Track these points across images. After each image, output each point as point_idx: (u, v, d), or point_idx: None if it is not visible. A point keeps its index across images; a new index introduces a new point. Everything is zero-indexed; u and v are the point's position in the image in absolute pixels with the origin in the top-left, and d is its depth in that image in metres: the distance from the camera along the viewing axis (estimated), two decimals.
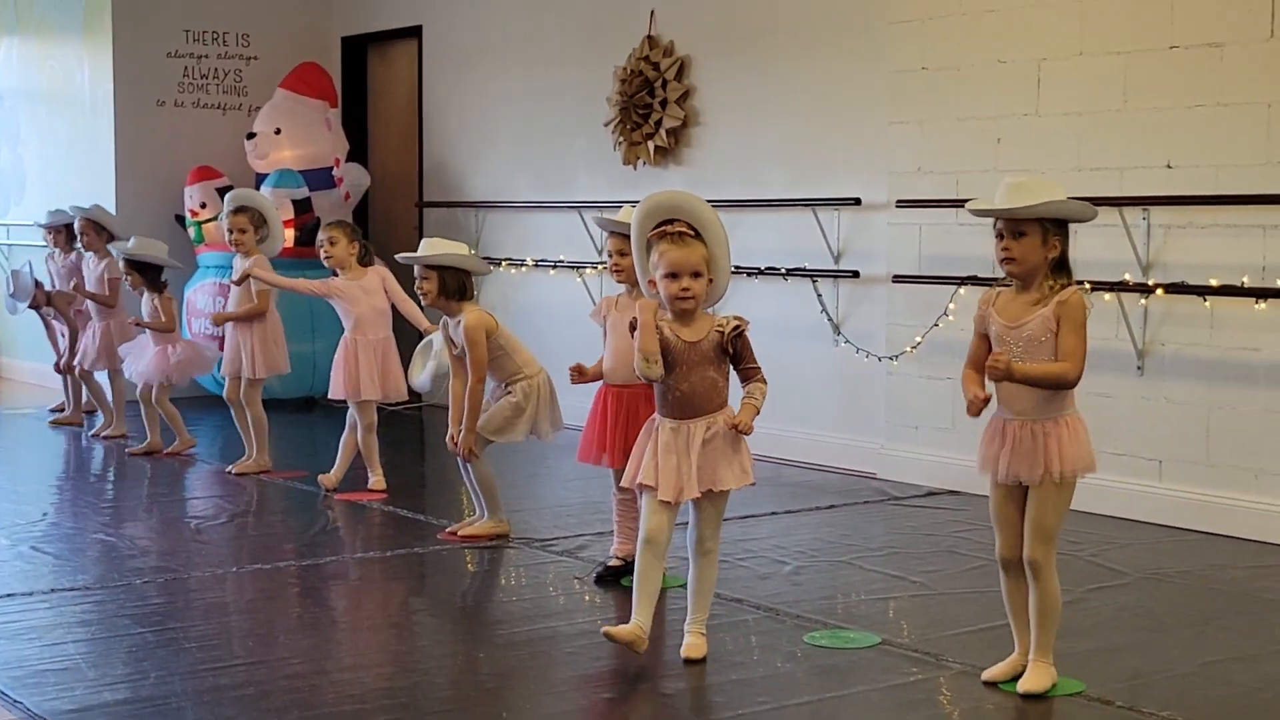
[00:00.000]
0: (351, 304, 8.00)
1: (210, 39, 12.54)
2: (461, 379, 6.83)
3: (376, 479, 8.08)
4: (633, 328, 5.01)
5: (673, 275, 5.00)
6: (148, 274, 9.25)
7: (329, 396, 8.32)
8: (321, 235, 8.17)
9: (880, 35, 8.73)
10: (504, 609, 6.19)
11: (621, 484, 5.37)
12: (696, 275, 5.01)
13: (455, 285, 6.84)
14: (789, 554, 6.82)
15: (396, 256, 7.20)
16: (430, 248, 6.88)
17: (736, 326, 5.04)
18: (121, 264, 9.37)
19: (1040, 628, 4.85)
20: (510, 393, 6.84)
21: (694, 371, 5.01)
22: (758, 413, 5.02)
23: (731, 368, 5.09)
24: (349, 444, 8.12)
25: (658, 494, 5.03)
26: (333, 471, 8.09)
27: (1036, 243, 4.73)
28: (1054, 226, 4.75)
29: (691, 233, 5.03)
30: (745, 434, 5.01)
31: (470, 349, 6.73)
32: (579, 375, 5.95)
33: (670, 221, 5.06)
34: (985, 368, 4.70)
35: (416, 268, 6.82)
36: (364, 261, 8.15)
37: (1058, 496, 4.77)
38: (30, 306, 10.55)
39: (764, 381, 5.06)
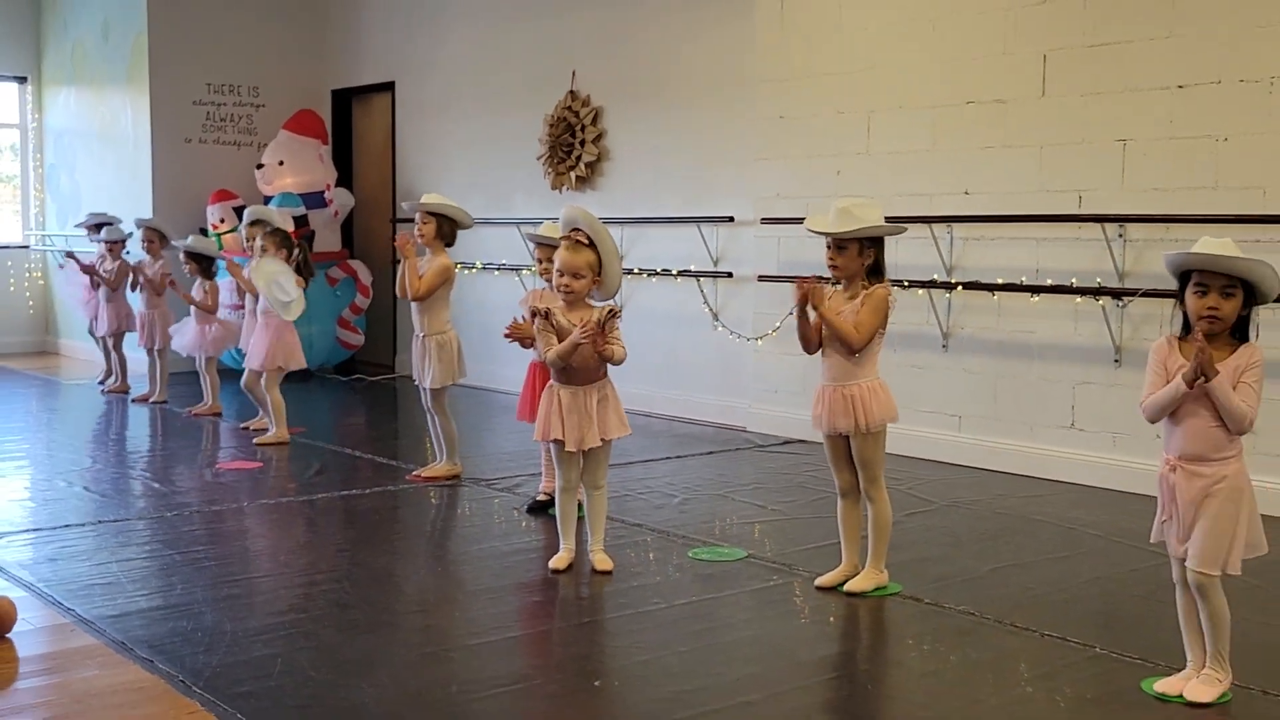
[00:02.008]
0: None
1: (227, 90, 12.37)
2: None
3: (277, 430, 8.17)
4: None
5: (559, 273, 5.02)
6: (202, 263, 9.24)
7: (257, 368, 8.19)
8: (260, 240, 8.16)
9: (750, 91, 8.75)
10: (457, 533, 6.17)
11: (533, 439, 5.33)
12: (577, 276, 4.99)
13: (448, 231, 6.78)
14: (678, 489, 6.84)
15: (403, 204, 7.03)
16: (432, 199, 6.82)
17: (611, 309, 5.04)
18: (182, 255, 9.30)
19: (876, 541, 4.90)
20: (429, 347, 6.74)
21: (580, 348, 4.97)
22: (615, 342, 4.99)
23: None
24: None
25: (566, 446, 5.04)
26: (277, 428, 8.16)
27: (854, 254, 4.78)
28: (868, 242, 4.78)
29: (586, 241, 5.01)
30: (600, 342, 4.91)
31: (433, 275, 6.65)
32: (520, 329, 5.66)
33: (576, 230, 5.05)
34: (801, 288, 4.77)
35: (418, 214, 6.75)
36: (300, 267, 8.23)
37: (871, 442, 4.83)
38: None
39: (623, 349, 5.01)
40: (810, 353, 4.91)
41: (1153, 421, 3.81)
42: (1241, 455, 3.72)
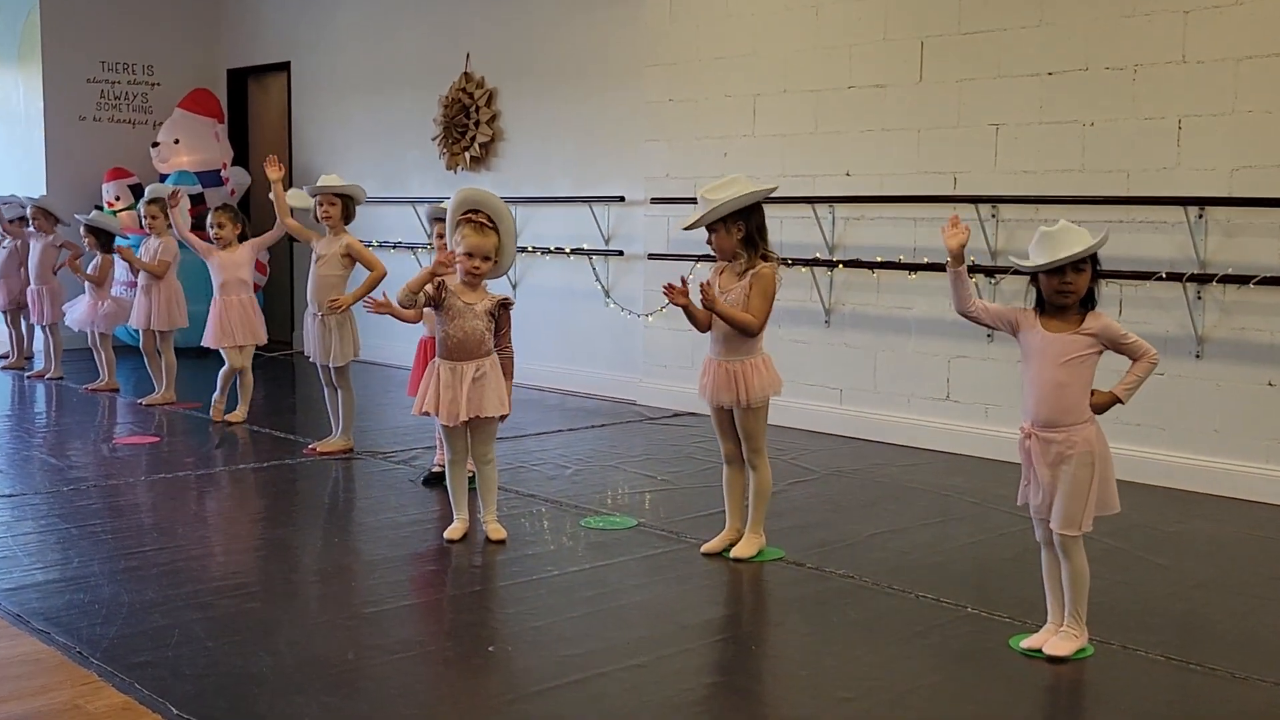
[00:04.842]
0: (220, 271, 7.76)
1: (122, 68, 12.08)
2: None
3: (238, 411, 7.83)
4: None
5: (469, 255, 4.96)
6: (101, 238, 8.92)
7: (203, 344, 7.93)
8: (211, 218, 7.93)
9: (639, 75, 8.75)
10: (355, 505, 6.09)
11: (412, 412, 5.27)
12: (486, 259, 4.97)
13: (351, 211, 6.81)
14: (571, 460, 6.85)
15: (306, 189, 6.99)
16: (332, 180, 6.76)
17: (505, 300, 5.04)
18: (83, 229, 8.98)
19: (755, 507, 4.95)
20: (329, 324, 6.72)
21: (467, 323, 4.95)
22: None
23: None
24: (226, 379, 7.88)
25: (440, 420, 5.03)
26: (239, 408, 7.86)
27: (724, 234, 4.76)
28: (733, 217, 4.73)
29: (490, 224, 4.97)
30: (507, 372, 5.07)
31: (357, 253, 6.78)
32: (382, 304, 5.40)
33: (476, 211, 5.00)
34: (701, 289, 4.79)
35: (320, 196, 6.69)
36: (241, 238, 7.95)
37: (753, 415, 4.86)
38: None
39: (512, 351, 5.11)
40: (703, 332, 4.93)
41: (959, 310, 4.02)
42: (1094, 421, 3.83)
